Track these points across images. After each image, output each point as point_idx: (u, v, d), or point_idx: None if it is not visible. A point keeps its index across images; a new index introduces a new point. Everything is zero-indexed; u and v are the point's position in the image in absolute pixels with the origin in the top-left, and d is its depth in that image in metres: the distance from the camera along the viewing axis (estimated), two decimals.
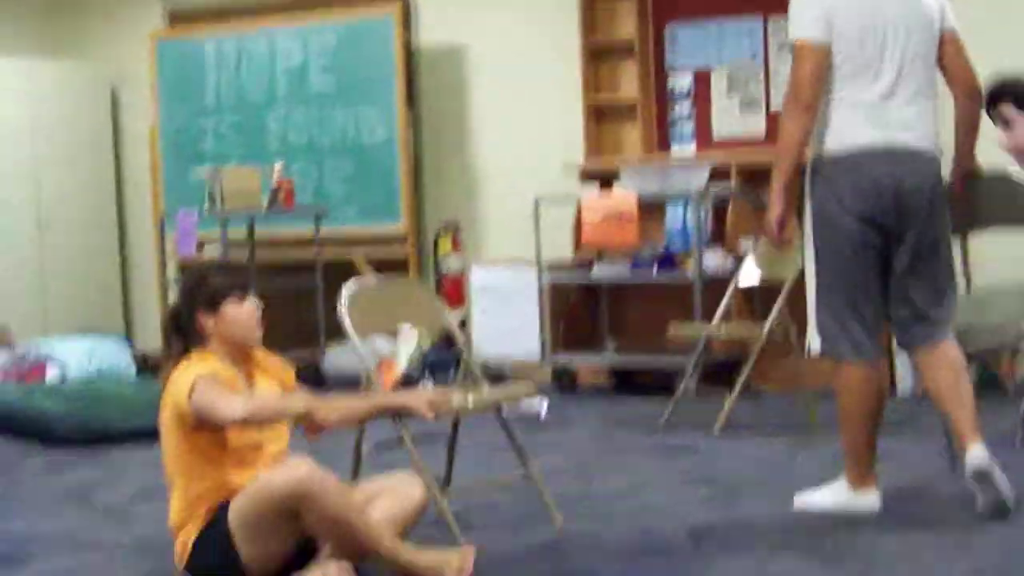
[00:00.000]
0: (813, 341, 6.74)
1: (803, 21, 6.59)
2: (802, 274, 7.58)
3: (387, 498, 5.72)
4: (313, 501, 5.32)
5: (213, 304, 5.71)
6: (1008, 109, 6.52)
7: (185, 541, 5.65)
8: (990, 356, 10.05)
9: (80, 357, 11.47)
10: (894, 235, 6.46)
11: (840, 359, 6.60)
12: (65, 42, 14.17)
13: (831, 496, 6.77)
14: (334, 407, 5.72)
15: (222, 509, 5.53)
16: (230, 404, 5.38)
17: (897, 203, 6.48)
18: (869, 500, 6.63)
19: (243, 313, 5.74)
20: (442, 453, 6.97)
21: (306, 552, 5.56)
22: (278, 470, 5.50)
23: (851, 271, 6.53)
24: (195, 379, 5.48)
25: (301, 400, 5.70)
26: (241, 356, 5.86)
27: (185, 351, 5.77)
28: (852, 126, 6.58)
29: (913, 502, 6.98)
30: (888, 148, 6.57)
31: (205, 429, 5.55)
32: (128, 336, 13.38)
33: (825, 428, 8.66)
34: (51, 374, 11.26)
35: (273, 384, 5.93)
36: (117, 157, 13.77)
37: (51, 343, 11.81)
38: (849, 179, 6.48)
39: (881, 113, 6.62)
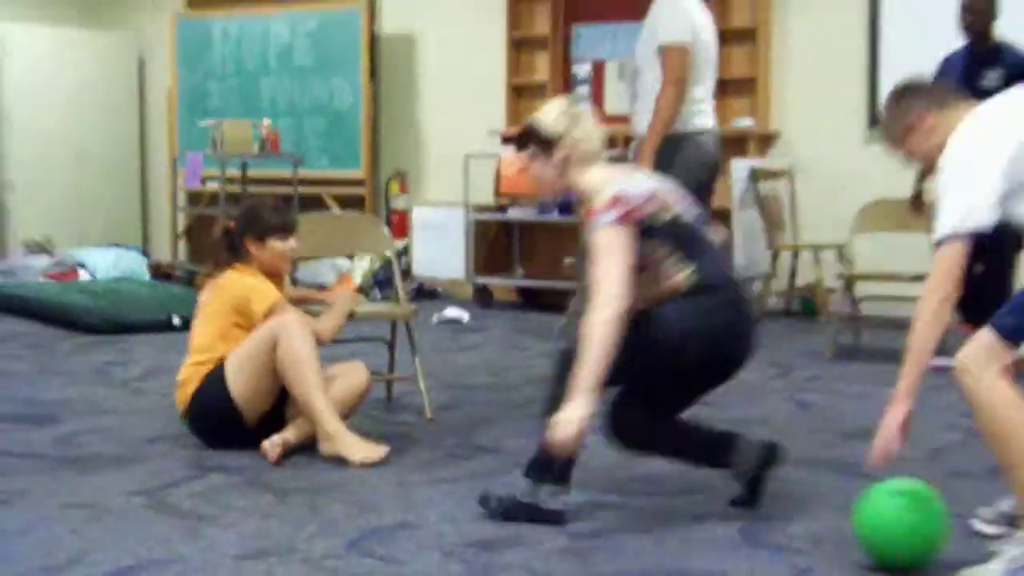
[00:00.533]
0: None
1: (679, 28, 7.46)
2: None
3: (339, 380, 6.27)
4: (286, 339, 5.95)
5: (261, 236, 6.34)
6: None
7: (186, 392, 6.25)
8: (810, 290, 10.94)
9: (106, 264, 12.39)
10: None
11: None
12: (102, 16, 14.81)
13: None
14: (335, 324, 6.27)
15: (219, 366, 6.15)
16: (326, 331, 6.18)
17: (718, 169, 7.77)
18: None
19: (283, 249, 6.39)
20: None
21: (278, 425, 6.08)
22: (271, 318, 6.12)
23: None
24: (276, 299, 6.17)
25: (330, 320, 6.29)
26: (270, 274, 6.44)
27: (229, 263, 6.37)
28: (704, 114, 7.60)
29: None
30: (716, 131, 7.77)
31: (244, 327, 6.20)
32: (144, 249, 14.05)
33: None
34: (82, 276, 12.12)
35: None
36: (141, 109, 14.53)
37: (84, 252, 12.61)
38: (703, 148, 7.48)
39: (711, 105, 7.71)
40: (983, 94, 7.77)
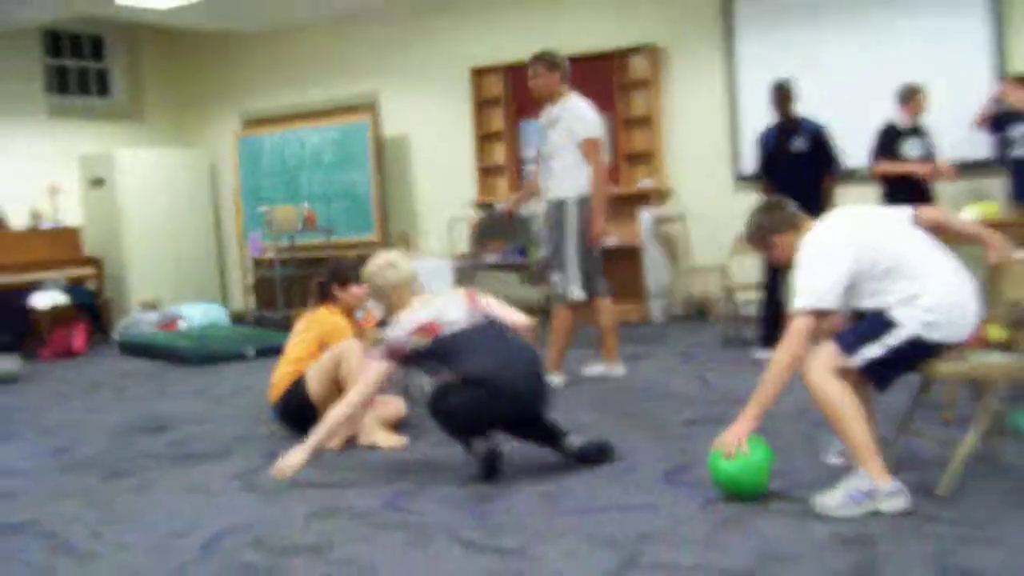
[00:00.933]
0: (575, 293, 7.48)
1: (597, 126, 7.48)
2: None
3: (381, 405, 6.16)
4: (346, 359, 5.99)
5: (344, 283, 6.42)
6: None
7: (278, 390, 6.33)
8: (701, 299, 10.89)
9: (197, 315, 12.21)
10: None
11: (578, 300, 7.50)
12: (185, 139, 14.86)
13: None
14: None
15: (302, 376, 6.18)
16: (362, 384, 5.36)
17: None
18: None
19: (358, 292, 6.37)
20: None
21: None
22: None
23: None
24: (351, 342, 6.09)
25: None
26: (348, 312, 6.49)
27: (320, 304, 6.50)
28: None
29: None
30: None
31: (324, 348, 6.20)
32: (224, 302, 13.99)
33: (585, 338, 9.01)
34: (181, 325, 11.99)
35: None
36: (215, 202, 14.41)
37: (181, 307, 12.44)
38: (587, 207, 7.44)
39: None
40: (794, 156, 8.33)
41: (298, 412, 6.18)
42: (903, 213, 4.60)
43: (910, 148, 9.01)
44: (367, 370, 5.32)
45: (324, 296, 6.54)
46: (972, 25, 9.82)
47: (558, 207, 7.56)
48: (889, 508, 4.21)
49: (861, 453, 4.27)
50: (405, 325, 5.24)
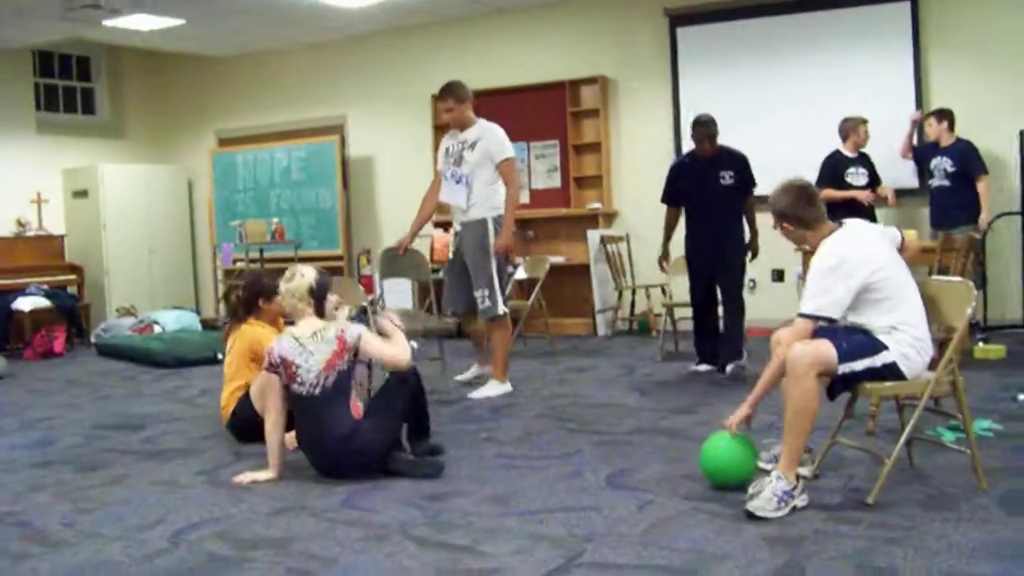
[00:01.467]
0: (501, 308, 7.45)
1: (510, 147, 7.43)
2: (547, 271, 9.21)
3: (357, 409, 5.86)
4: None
5: (269, 296, 6.24)
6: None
7: (227, 411, 6.22)
8: (644, 315, 10.79)
9: (171, 320, 12.10)
10: None
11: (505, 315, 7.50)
12: (164, 156, 14.72)
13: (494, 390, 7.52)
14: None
15: (246, 392, 6.06)
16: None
17: None
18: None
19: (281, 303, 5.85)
20: None
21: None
22: None
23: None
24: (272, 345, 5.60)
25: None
26: (273, 322, 6.38)
27: (244, 318, 6.34)
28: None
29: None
30: None
31: (258, 361, 5.89)
32: (197, 309, 13.84)
33: (563, 354, 9.71)
34: (156, 329, 11.87)
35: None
36: (191, 215, 14.36)
37: (156, 313, 12.38)
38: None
39: None
40: (723, 189, 7.98)
41: (250, 427, 5.94)
42: (893, 237, 4.70)
43: (853, 176, 9.15)
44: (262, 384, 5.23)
45: (248, 310, 6.38)
46: (897, 66, 9.93)
47: (479, 226, 7.48)
48: (801, 504, 4.30)
49: (795, 456, 4.33)
50: (276, 348, 5.23)
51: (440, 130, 12.41)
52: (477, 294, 7.49)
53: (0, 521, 4.74)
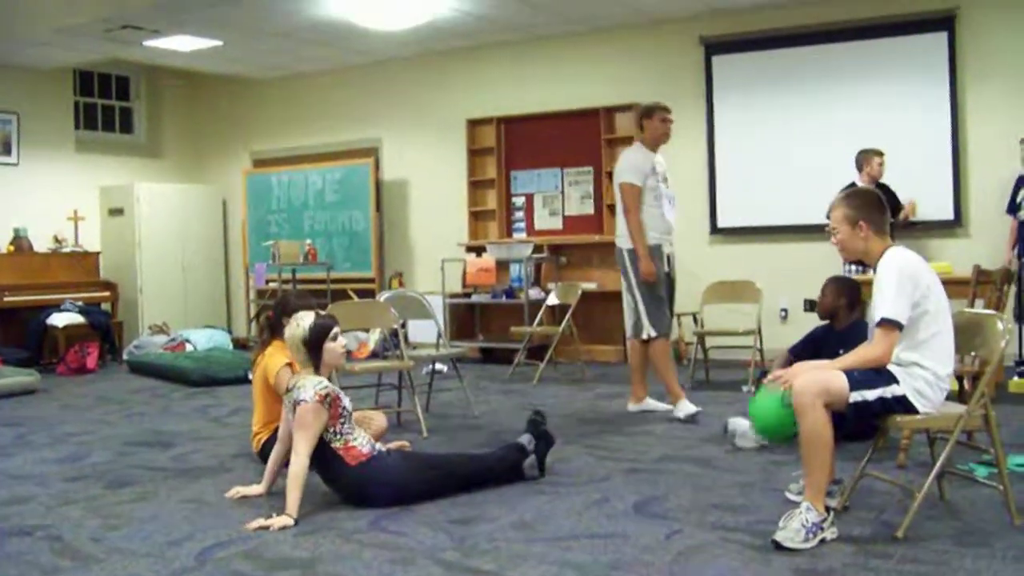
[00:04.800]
0: (650, 330, 7.47)
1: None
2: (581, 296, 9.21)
3: (372, 421, 6.06)
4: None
5: (293, 314, 5.53)
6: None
7: (259, 439, 6.09)
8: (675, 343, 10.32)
9: (203, 339, 12.22)
10: None
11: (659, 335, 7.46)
12: (199, 176, 14.85)
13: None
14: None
15: (276, 429, 5.69)
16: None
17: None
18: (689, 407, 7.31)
19: None
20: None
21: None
22: None
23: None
24: (283, 368, 5.80)
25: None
26: None
27: (270, 341, 6.13)
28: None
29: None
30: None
31: (271, 391, 5.92)
32: (229, 328, 13.90)
33: (593, 381, 9.61)
34: (188, 348, 11.94)
35: None
36: (225, 235, 14.41)
37: (189, 331, 12.46)
38: None
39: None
40: None
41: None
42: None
43: None
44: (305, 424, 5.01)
45: (274, 331, 6.14)
46: (934, 95, 9.87)
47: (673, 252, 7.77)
48: (830, 536, 4.26)
49: (820, 486, 4.29)
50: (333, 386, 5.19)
51: (475, 155, 12.62)
52: (630, 319, 7.68)
53: (31, 534, 4.77)
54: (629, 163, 7.60)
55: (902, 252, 4.47)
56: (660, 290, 7.55)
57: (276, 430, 5.73)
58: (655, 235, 7.55)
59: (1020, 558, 4.04)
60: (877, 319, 4.33)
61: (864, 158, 9.29)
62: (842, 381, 4.29)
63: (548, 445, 5.71)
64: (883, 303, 4.33)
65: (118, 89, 14.34)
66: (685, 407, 7.38)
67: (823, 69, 10.46)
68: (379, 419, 6.24)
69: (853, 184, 9.12)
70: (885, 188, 9.22)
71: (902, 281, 4.33)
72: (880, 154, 9.31)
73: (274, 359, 5.99)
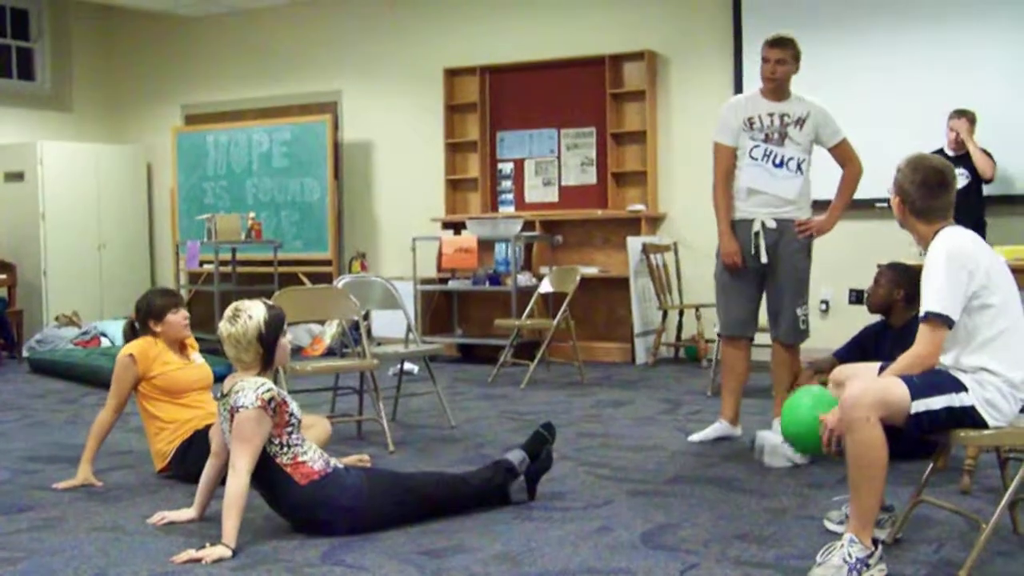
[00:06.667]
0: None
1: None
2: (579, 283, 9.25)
3: (311, 431, 5.77)
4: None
5: (159, 316, 6.27)
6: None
7: (162, 454, 6.28)
8: (692, 340, 10.80)
9: (121, 333, 11.35)
10: None
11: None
12: (118, 133, 14.91)
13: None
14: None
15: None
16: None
17: None
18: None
19: (175, 320, 6.29)
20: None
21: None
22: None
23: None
24: (123, 358, 6.15)
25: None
26: (178, 341, 6.37)
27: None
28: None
29: None
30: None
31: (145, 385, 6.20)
32: None
33: (593, 385, 9.67)
34: (104, 343, 11.92)
35: (195, 352, 6.50)
36: (150, 207, 14.52)
37: (104, 323, 12.42)
38: None
39: None
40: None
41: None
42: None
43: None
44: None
45: (137, 338, 6.40)
46: (1010, 45, 9.90)
47: (788, 228, 7.21)
48: (878, 574, 4.25)
49: (868, 515, 4.29)
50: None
51: (454, 111, 12.65)
52: (798, 311, 7.18)
53: None
54: (720, 117, 7.41)
55: (953, 234, 4.50)
56: (736, 277, 7.33)
57: (183, 440, 6.09)
58: (743, 207, 7.28)
59: None
60: (922, 313, 4.37)
61: (950, 123, 9.42)
62: (903, 390, 4.29)
63: (545, 468, 5.75)
64: (929, 295, 4.37)
65: (15, 26, 14.25)
66: (709, 429, 7.28)
67: (879, 9, 10.45)
68: (320, 425, 6.25)
69: (940, 151, 9.22)
70: (967, 158, 9.24)
71: (951, 269, 4.35)
72: (955, 116, 9.37)
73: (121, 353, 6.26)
